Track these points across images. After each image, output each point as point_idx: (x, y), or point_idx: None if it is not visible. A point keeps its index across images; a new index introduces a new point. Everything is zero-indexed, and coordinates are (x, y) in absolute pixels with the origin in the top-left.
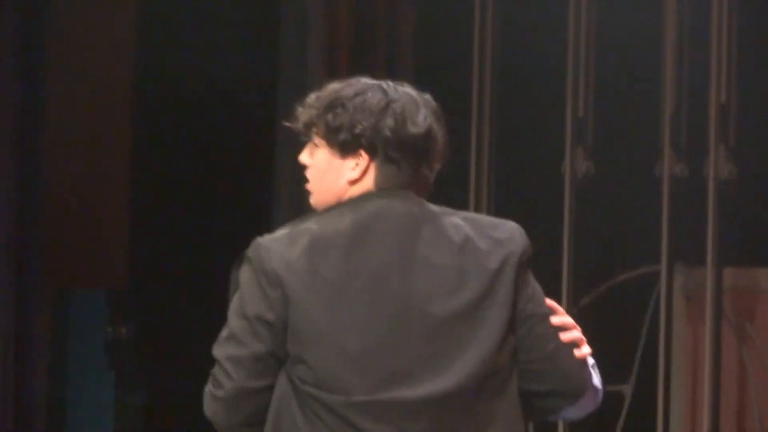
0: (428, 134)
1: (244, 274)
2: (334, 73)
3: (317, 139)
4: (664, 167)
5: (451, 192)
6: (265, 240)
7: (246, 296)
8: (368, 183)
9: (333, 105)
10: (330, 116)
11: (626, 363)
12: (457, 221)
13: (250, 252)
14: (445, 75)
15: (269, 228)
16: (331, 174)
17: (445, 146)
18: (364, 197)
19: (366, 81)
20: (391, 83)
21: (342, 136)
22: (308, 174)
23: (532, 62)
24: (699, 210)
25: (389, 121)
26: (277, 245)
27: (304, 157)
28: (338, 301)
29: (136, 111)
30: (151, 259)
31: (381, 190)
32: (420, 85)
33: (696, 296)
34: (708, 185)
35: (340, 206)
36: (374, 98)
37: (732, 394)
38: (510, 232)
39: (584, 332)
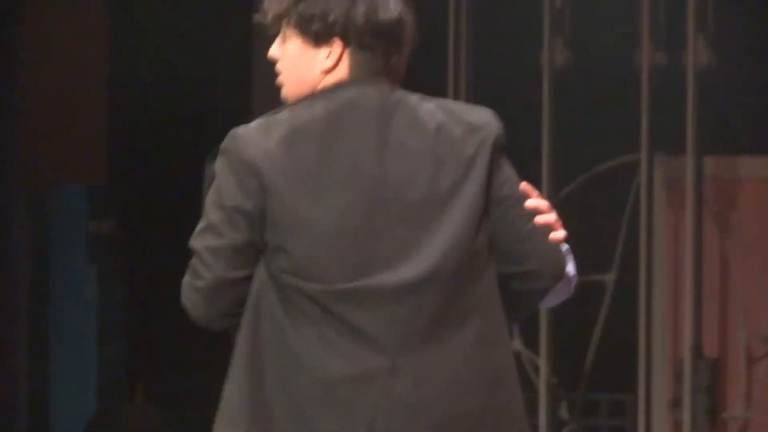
0: (399, 20)
1: (220, 165)
2: None
3: (288, 31)
4: (642, 56)
5: (429, 83)
6: (240, 130)
7: (223, 187)
8: (342, 71)
9: None
10: (302, 6)
11: (608, 252)
12: (431, 107)
13: (226, 143)
14: None
15: (246, 121)
16: (305, 64)
17: (414, 32)
18: (338, 86)
19: None
20: None
21: (315, 25)
22: (280, 66)
23: None
24: (678, 99)
25: (361, 8)
26: (254, 135)
27: (274, 51)
28: (316, 188)
29: (114, 11)
30: (130, 154)
31: (354, 78)
32: None
33: (676, 185)
34: (687, 74)
35: (313, 96)
36: None
37: (714, 282)
38: (484, 118)
39: (566, 223)
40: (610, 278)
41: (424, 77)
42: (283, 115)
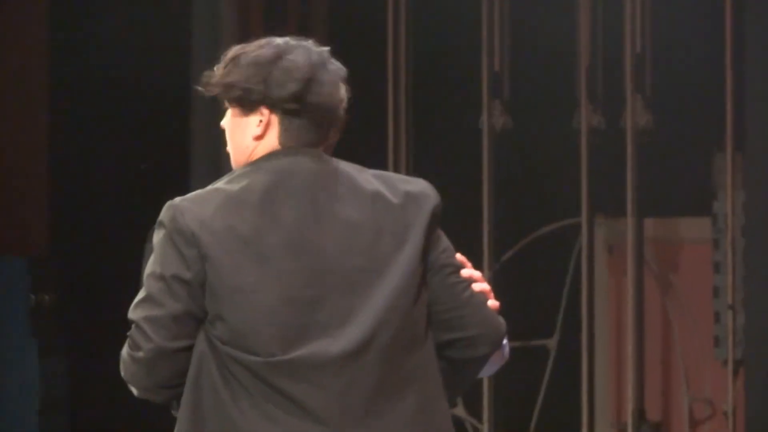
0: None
1: (158, 237)
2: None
3: (225, 101)
4: (581, 119)
5: (369, 148)
6: (177, 201)
7: (161, 257)
8: (272, 139)
9: (228, 63)
10: (225, 75)
11: (550, 317)
12: (367, 177)
13: (163, 215)
14: (361, 31)
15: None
16: (239, 132)
17: (346, 99)
18: (271, 155)
19: (267, 39)
20: (290, 39)
21: (236, 92)
22: (226, 136)
23: (447, 17)
24: (618, 161)
25: (279, 74)
26: (190, 205)
27: (223, 121)
28: (254, 257)
29: (53, 78)
30: (72, 226)
31: (287, 148)
32: (334, 41)
33: (617, 247)
34: (626, 136)
35: (247, 166)
36: (266, 53)
37: (656, 345)
38: (421, 187)
39: (507, 287)
40: (552, 343)
41: (364, 142)
42: (219, 185)
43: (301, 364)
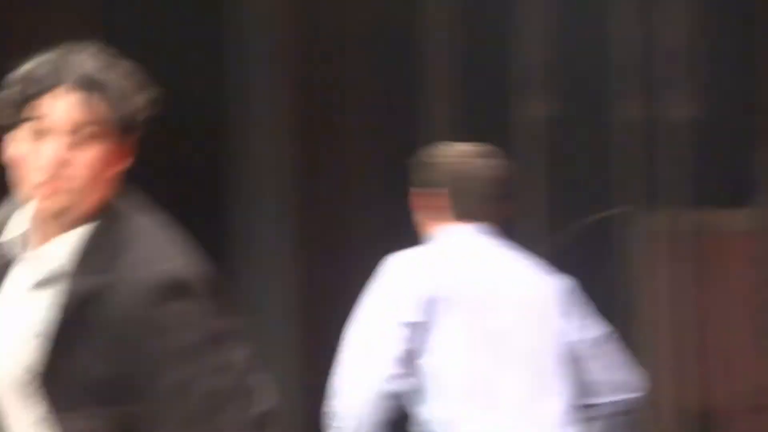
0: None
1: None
2: None
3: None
4: (622, 109)
5: None
6: None
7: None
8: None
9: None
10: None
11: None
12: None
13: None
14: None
15: None
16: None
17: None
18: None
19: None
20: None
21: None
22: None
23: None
24: (659, 152)
25: (139, 102)
26: None
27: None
28: None
29: None
30: None
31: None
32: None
33: (656, 239)
34: (665, 127)
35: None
36: (42, 69)
37: (694, 337)
38: None
39: None
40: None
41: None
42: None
43: None
